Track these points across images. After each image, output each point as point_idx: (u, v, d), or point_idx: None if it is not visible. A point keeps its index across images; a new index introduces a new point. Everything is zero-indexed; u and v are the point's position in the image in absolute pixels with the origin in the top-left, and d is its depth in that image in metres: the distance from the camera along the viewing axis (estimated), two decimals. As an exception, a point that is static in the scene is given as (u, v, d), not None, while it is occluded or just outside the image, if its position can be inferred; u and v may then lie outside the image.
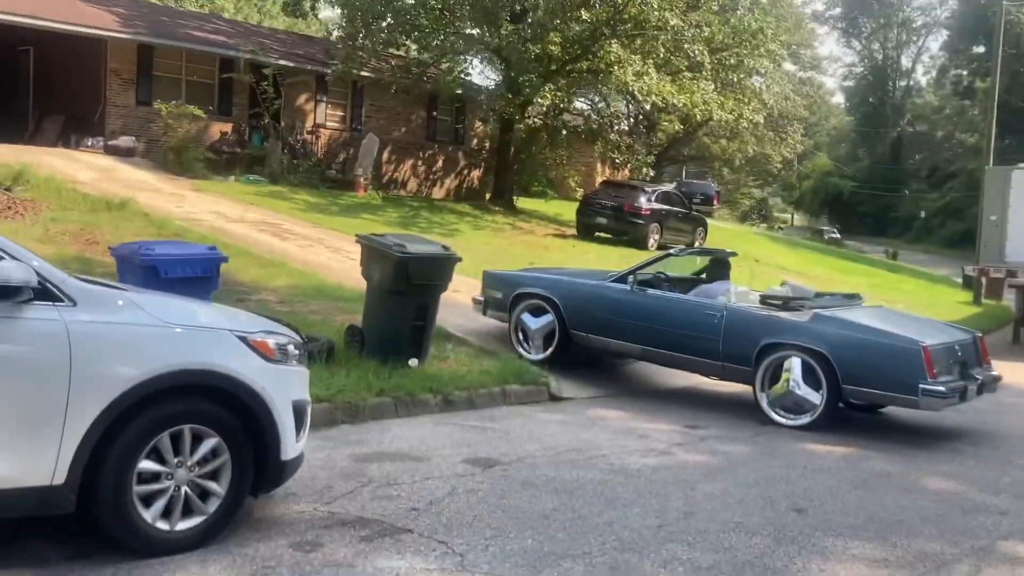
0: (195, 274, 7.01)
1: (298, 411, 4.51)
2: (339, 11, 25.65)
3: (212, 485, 4.19)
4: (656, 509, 5.31)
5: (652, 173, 34.65)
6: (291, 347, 4.58)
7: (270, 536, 4.38)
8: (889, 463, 6.95)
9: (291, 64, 22.89)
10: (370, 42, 22.44)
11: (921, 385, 7.42)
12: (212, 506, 4.18)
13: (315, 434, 6.16)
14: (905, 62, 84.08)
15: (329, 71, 22.72)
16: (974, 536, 5.29)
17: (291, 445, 4.45)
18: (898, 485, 6.32)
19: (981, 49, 64.55)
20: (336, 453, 5.91)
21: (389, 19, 22.52)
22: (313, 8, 25.96)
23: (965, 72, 70.69)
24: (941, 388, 7.45)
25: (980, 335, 8.80)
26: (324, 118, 24.00)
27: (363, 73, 23.24)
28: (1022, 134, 56.70)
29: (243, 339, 4.30)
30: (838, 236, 59.42)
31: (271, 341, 4.44)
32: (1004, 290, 19.37)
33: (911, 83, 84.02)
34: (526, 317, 9.41)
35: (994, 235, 17.18)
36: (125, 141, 19.64)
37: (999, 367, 12.64)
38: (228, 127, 21.64)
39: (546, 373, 8.70)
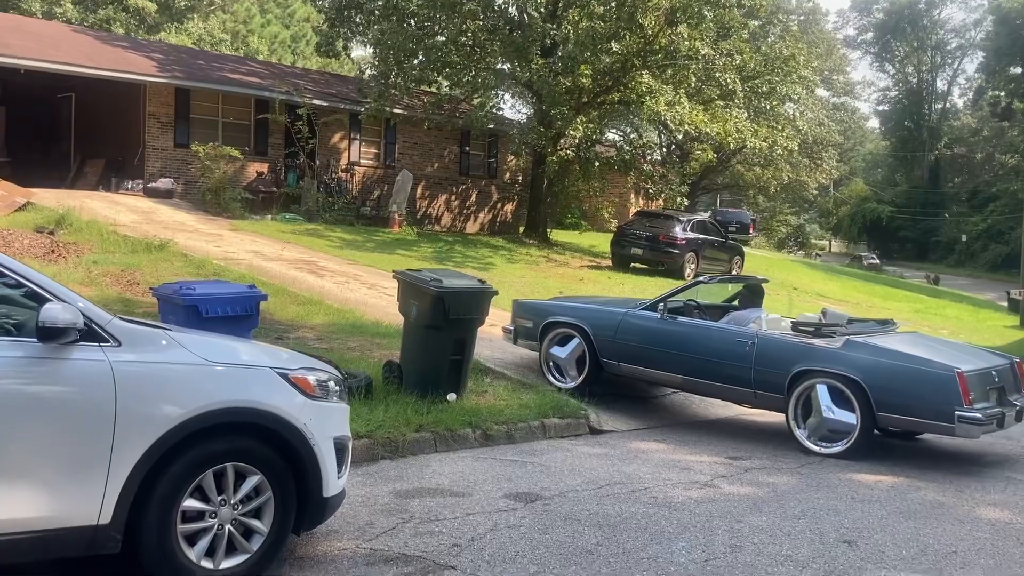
0: (235, 312, 7.06)
1: (339, 447, 4.52)
2: (371, 50, 26.09)
3: (255, 523, 4.19)
4: (702, 543, 5.21)
5: (686, 202, 34.66)
6: (331, 383, 4.59)
7: (314, 574, 4.35)
8: (940, 493, 6.78)
9: (325, 103, 23.25)
10: (402, 80, 22.73)
11: (957, 412, 7.27)
12: (255, 544, 4.18)
13: (355, 470, 6.16)
14: (940, 85, 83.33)
15: (362, 109, 23.04)
16: (1033, 568, 5.13)
17: (333, 482, 4.44)
18: (950, 515, 6.16)
19: (1019, 70, 63.89)
20: (377, 489, 5.90)
21: (421, 57, 22.82)
22: (345, 48, 26.38)
23: (1003, 93, 69.88)
24: (978, 415, 7.28)
25: (1019, 360, 8.60)
26: (358, 156, 24.30)
27: (395, 110, 23.53)
28: (1063, 154, 55.86)
29: (284, 376, 4.32)
30: (877, 262, 58.68)
31: (312, 377, 4.45)
32: (1051, 313, 18.98)
33: (947, 105, 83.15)
34: (556, 346, 9.39)
35: (1039, 257, 16.85)
36: (164, 183, 20.01)
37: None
38: (264, 167, 21.98)
39: (585, 406, 8.64)
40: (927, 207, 72.53)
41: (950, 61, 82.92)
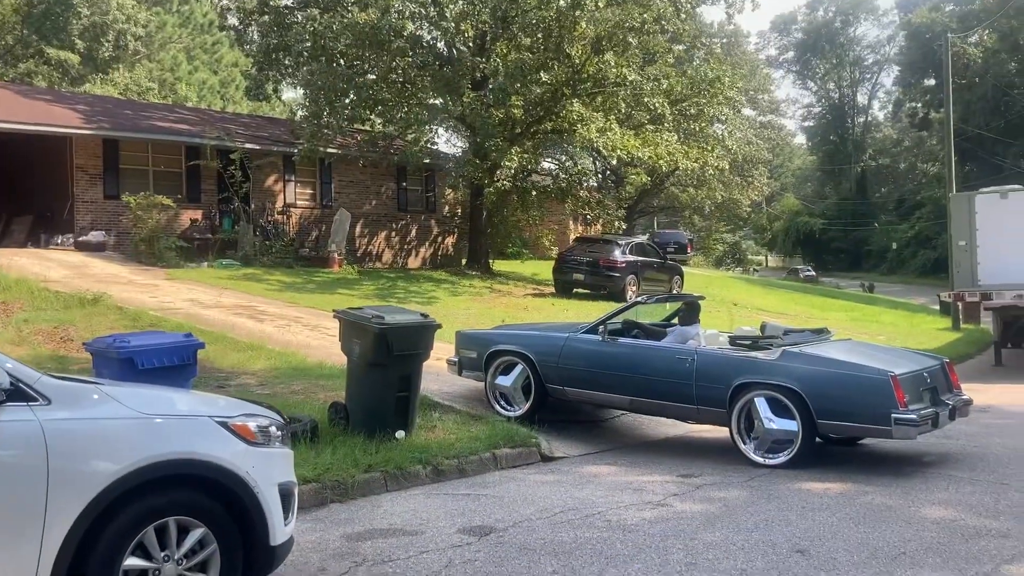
0: (172, 363, 6.91)
1: (284, 494, 4.42)
2: (302, 92, 26.01)
3: (201, 577, 4.07)
4: (657, 563, 5.21)
5: (624, 226, 35.06)
6: (273, 428, 4.51)
7: (264, 626, 4.24)
8: (887, 496, 6.89)
9: (257, 147, 23.08)
10: (334, 119, 22.67)
11: (893, 415, 7.43)
12: (203, 599, 4.06)
13: (304, 515, 6.05)
14: (861, 99, 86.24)
15: (295, 151, 22.90)
16: (978, 562, 5.23)
17: (280, 529, 4.34)
18: (898, 517, 6.26)
19: (932, 82, 66.27)
20: (327, 533, 5.79)
21: (352, 96, 22.80)
22: (276, 91, 26.35)
23: (919, 104, 72.43)
24: (913, 416, 7.45)
25: (948, 361, 8.86)
26: (294, 197, 24.12)
27: (329, 150, 23.45)
28: (981, 160, 57.99)
29: (223, 424, 4.23)
30: (813, 274, 59.99)
31: (252, 424, 4.37)
32: (981, 313, 19.52)
33: (869, 119, 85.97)
34: (501, 375, 9.38)
35: (965, 260, 17.37)
36: (95, 236, 19.60)
37: (984, 390, 12.75)
38: (198, 214, 21.68)
39: (535, 433, 8.61)
40: (857, 218, 74.54)
41: (868, 76, 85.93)
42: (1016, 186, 19.23)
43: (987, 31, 63.63)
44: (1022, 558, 5.34)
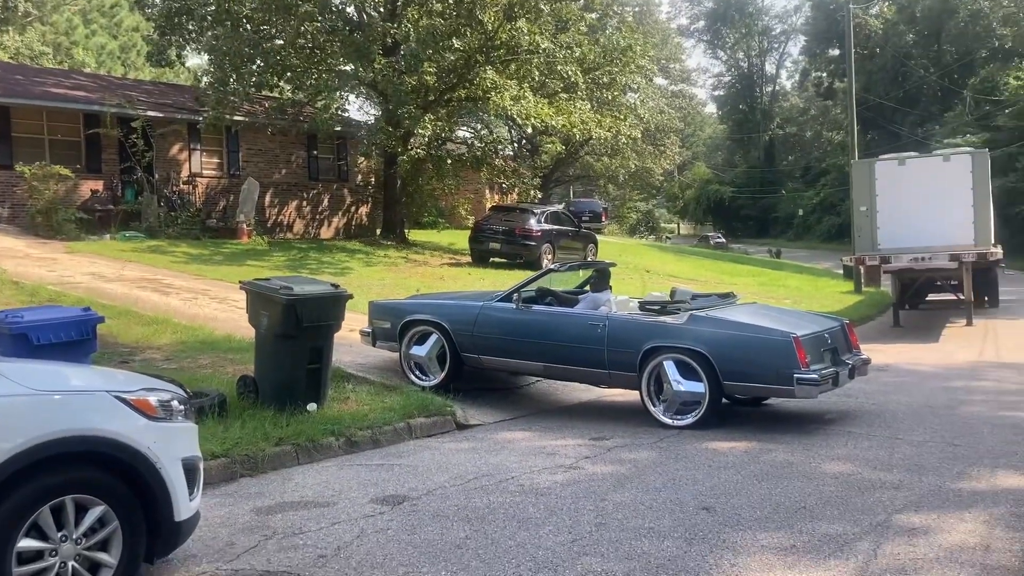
0: (70, 338, 6.66)
1: (189, 469, 4.33)
2: (206, 57, 25.14)
3: (103, 556, 3.97)
4: (568, 524, 5.30)
5: (540, 195, 35.15)
6: (175, 403, 4.40)
7: (170, 603, 4.17)
8: (790, 453, 7.14)
9: (160, 114, 22.28)
10: (241, 86, 22.00)
11: (795, 375, 7.69)
12: (104, 578, 3.96)
13: (213, 490, 5.94)
14: (769, 68, 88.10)
15: (201, 119, 22.15)
16: (872, 513, 5.47)
17: (184, 505, 4.25)
18: (799, 473, 6.50)
19: (836, 52, 68.12)
20: (237, 508, 5.69)
21: (259, 62, 22.15)
22: (179, 57, 25.23)
23: (824, 74, 74.49)
24: (814, 376, 7.73)
25: (848, 322, 9.21)
26: (200, 167, 23.39)
27: (236, 117, 22.77)
28: (883, 128, 60.02)
29: (122, 399, 4.10)
30: (723, 240, 61.40)
31: (153, 399, 4.25)
32: (881, 277, 20.27)
33: (777, 88, 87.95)
34: (416, 345, 9.36)
35: (865, 225, 17.98)
36: (-12, 208, 18.70)
37: (883, 350, 13.29)
38: (99, 184, 20.84)
39: (450, 402, 8.62)
40: (765, 185, 76.45)
41: (776, 46, 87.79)
42: (913, 153, 19.94)
43: (887, 3, 65.66)
44: (912, 508, 5.61)
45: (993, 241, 17.85)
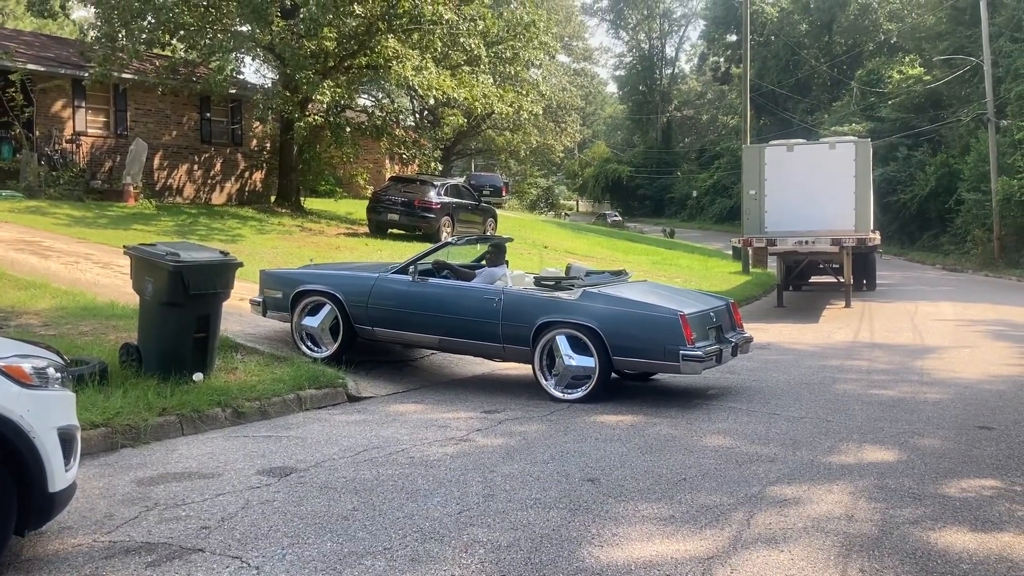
0: (-64, 301, 6.31)
1: (65, 438, 4.19)
2: (93, 10, 23.94)
3: (-32, 530, 3.81)
4: (456, 496, 5.36)
5: (440, 167, 34.96)
6: (51, 370, 4.24)
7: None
8: (673, 427, 7.38)
9: (42, 68, 21.14)
10: (130, 42, 21.04)
11: (681, 351, 7.96)
12: (-31, 553, 3.81)
13: (93, 461, 5.77)
14: (669, 51, 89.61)
15: (86, 74, 21.14)
16: (747, 485, 5.73)
17: (59, 475, 4.12)
18: (681, 446, 6.73)
19: (734, 37, 69.78)
20: (117, 479, 5.54)
21: (150, 18, 21.22)
22: (63, 7, 24.02)
23: (722, 59, 76.19)
24: (699, 353, 8.02)
25: (733, 301, 9.56)
26: (85, 125, 22.34)
27: (125, 75, 21.82)
28: (775, 115, 61.95)
29: (-8, 366, 3.93)
30: (620, 219, 62.45)
31: (26, 365, 4.09)
32: (768, 258, 21.04)
33: (676, 71, 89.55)
34: (308, 316, 9.25)
35: (754, 208, 18.59)
36: None
37: (766, 328, 13.83)
38: (-28, 139, 19.70)
39: (343, 374, 8.56)
40: (661, 166, 78.01)
41: (676, 29, 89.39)
42: (801, 140, 20.69)
43: (783, -8, 67.57)
44: (785, 480, 5.89)
45: (873, 227, 18.74)
